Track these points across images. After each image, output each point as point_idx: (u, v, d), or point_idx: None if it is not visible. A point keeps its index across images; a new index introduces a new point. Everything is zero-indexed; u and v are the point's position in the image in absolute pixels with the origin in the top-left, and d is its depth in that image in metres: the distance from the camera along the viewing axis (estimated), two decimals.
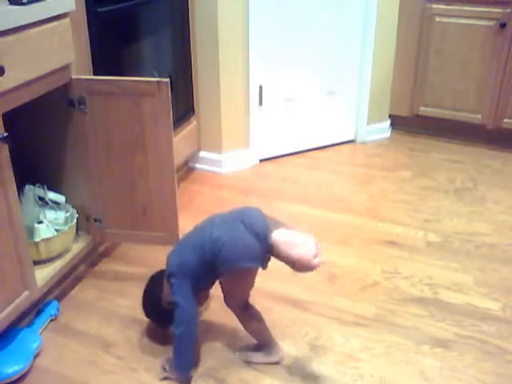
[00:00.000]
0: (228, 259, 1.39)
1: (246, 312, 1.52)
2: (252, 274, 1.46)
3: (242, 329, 1.63)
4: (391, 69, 2.89)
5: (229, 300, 1.52)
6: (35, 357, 1.57)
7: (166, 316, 1.50)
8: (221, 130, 2.60)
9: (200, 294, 1.58)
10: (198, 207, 2.37)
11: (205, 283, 1.53)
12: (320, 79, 2.76)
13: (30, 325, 1.65)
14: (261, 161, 2.77)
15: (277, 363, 1.55)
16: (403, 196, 2.45)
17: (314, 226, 2.23)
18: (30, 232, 1.70)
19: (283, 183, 2.58)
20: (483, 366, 1.55)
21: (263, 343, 1.56)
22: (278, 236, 1.39)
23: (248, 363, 1.55)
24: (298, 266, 1.36)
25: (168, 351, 1.53)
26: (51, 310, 1.72)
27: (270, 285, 1.82)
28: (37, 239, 1.68)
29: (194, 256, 1.45)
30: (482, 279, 1.90)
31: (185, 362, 1.49)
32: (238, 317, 1.54)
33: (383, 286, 1.88)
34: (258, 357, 1.56)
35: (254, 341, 1.59)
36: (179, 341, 1.47)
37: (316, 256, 1.33)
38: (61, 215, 1.81)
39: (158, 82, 1.62)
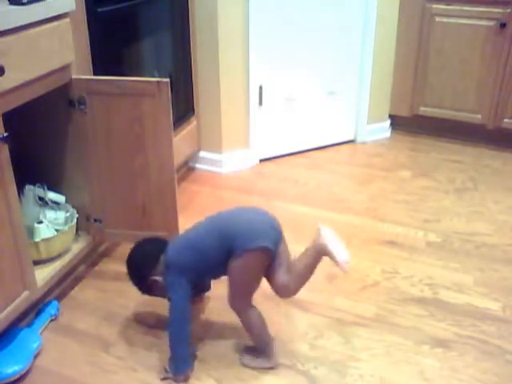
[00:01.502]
0: (248, 239, 1.44)
1: (250, 312, 1.51)
2: (264, 262, 1.48)
3: (242, 329, 1.63)
4: (391, 69, 2.89)
5: (236, 297, 1.50)
6: (35, 357, 1.57)
7: (144, 283, 1.54)
8: (221, 130, 2.60)
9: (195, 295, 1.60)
10: (198, 207, 2.37)
11: (204, 280, 1.56)
12: (320, 79, 2.76)
13: (29, 325, 1.65)
14: (261, 161, 2.77)
15: (270, 368, 1.54)
16: (403, 196, 2.45)
17: (314, 226, 2.22)
18: (30, 232, 1.70)
19: (283, 183, 2.57)
20: (483, 365, 1.55)
21: (261, 347, 1.55)
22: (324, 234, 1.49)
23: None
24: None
25: (168, 351, 1.54)
26: (51, 309, 1.72)
27: None
28: (37, 239, 1.68)
29: (199, 250, 1.48)
30: (481, 279, 1.90)
31: (180, 359, 1.50)
32: (241, 316, 1.52)
33: (383, 285, 1.88)
34: (252, 361, 1.55)
35: (251, 343, 1.59)
36: (172, 338, 1.49)
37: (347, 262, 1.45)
38: (61, 215, 1.81)
39: (157, 82, 1.62)
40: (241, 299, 1.50)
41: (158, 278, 1.51)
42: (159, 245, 1.56)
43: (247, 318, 1.52)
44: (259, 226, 1.48)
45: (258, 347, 1.56)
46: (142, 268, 1.54)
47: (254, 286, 1.50)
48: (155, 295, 1.59)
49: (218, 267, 1.48)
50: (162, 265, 1.51)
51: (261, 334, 1.54)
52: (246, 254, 1.44)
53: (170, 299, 1.49)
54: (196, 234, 1.54)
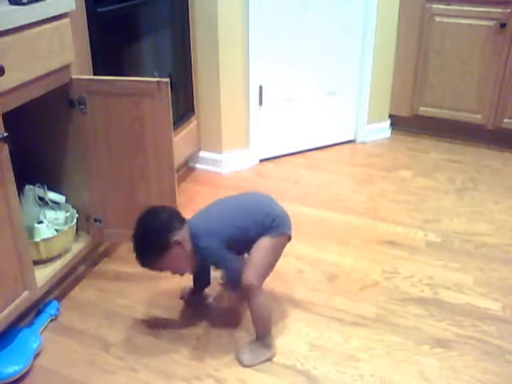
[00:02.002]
0: (284, 223, 1.59)
1: (262, 295, 1.53)
2: (284, 246, 1.61)
3: (242, 328, 1.63)
4: (391, 69, 2.89)
5: (258, 274, 1.52)
6: (35, 357, 1.57)
7: (162, 245, 1.47)
8: (221, 130, 2.60)
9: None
10: (198, 207, 2.36)
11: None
12: (320, 79, 2.76)
13: (29, 325, 1.65)
14: (261, 161, 2.77)
15: (268, 360, 1.55)
16: (403, 196, 2.45)
17: (314, 226, 2.23)
18: (30, 232, 1.70)
19: (283, 183, 2.57)
20: (483, 365, 1.55)
21: (262, 335, 1.56)
22: None
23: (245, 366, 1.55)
24: None
25: (168, 351, 1.54)
26: (51, 309, 1.72)
27: (270, 285, 1.82)
28: (37, 239, 1.68)
29: (238, 227, 1.54)
30: (482, 279, 1.90)
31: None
32: (253, 296, 1.51)
33: (383, 285, 1.88)
34: (252, 359, 1.55)
35: (249, 339, 1.60)
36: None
37: None
38: (61, 215, 1.81)
39: (157, 82, 1.62)
40: (261, 277, 1.54)
41: (181, 239, 1.48)
42: (176, 211, 1.60)
43: (259, 299, 1.53)
44: (286, 214, 1.63)
45: (259, 335, 1.56)
46: (168, 225, 1.49)
47: (273, 267, 1.58)
48: (162, 268, 1.52)
49: (248, 245, 1.54)
50: (187, 232, 1.51)
51: (268, 320, 1.57)
52: (280, 236, 1.56)
53: (218, 264, 1.56)
54: (228, 212, 1.60)
